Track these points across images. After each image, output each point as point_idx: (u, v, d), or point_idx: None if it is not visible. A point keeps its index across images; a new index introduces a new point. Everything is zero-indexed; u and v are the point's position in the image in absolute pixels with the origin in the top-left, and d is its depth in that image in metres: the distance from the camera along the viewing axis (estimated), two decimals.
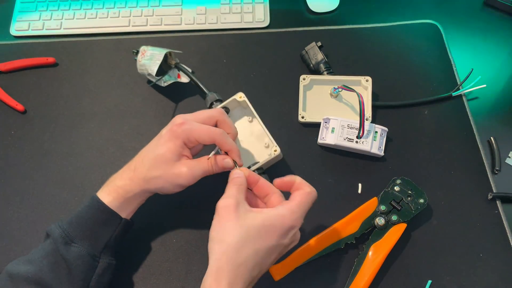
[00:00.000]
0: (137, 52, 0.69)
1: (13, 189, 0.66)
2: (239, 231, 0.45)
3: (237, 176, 0.51)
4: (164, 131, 0.53)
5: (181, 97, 0.73)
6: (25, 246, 0.61)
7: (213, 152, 0.54)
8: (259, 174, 0.59)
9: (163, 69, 0.69)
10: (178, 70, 0.71)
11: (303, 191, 0.50)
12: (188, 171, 0.51)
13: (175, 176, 0.51)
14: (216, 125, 0.55)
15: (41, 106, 0.73)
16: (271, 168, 0.64)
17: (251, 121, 0.66)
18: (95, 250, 0.52)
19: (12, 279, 0.49)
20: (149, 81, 0.72)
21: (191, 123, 0.52)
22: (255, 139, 0.65)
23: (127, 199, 0.53)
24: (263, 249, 0.45)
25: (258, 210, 0.48)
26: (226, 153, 0.54)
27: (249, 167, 0.54)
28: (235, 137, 0.56)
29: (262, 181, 0.53)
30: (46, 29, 0.81)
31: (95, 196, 0.53)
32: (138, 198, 0.54)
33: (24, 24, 0.81)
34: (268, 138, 0.63)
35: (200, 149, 0.58)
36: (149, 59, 0.67)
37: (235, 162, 0.53)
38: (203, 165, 0.53)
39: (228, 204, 0.47)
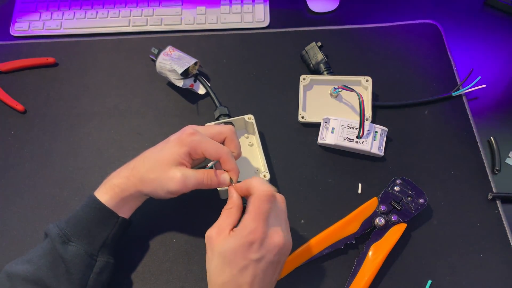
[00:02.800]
0: (159, 51, 0.71)
1: (13, 189, 0.65)
2: (215, 259, 0.46)
3: (230, 207, 0.50)
4: (173, 137, 0.53)
5: (182, 98, 0.73)
6: (25, 246, 0.61)
7: (212, 162, 0.54)
8: None
9: (183, 73, 0.70)
10: (195, 81, 0.72)
11: (255, 197, 0.48)
12: (181, 177, 0.50)
13: (168, 179, 0.51)
14: (223, 142, 0.56)
15: (41, 106, 0.73)
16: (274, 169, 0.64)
17: (251, 145, 0.66)
18: (92, 249, 0.52)
19: (10, 279, 0.49)
20: (168, 81, 0.72)
21: (201, 136, 0.52)
22: (249, 161, 0.65)
23: (123, 198, 0.53)
24: (237, 271, 0.45)
25: (233, 232, 0.47)
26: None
27: None
28: (238, 157, 0.56)
29: (254, 186, 0.50)
30: (46, 29, 0.81)
31: (93, 195, 0.53)
32: (133, 199, 0.54)
33: (24, 24, 0.81)
34: (261, 163, 0.63)
35: (200, 163, 0.58)
36: (177, 58, 0.70)
37: (231, 180, 0.53)
38: (198, 175, 0.52)
39: (209, 234, 0.48)
